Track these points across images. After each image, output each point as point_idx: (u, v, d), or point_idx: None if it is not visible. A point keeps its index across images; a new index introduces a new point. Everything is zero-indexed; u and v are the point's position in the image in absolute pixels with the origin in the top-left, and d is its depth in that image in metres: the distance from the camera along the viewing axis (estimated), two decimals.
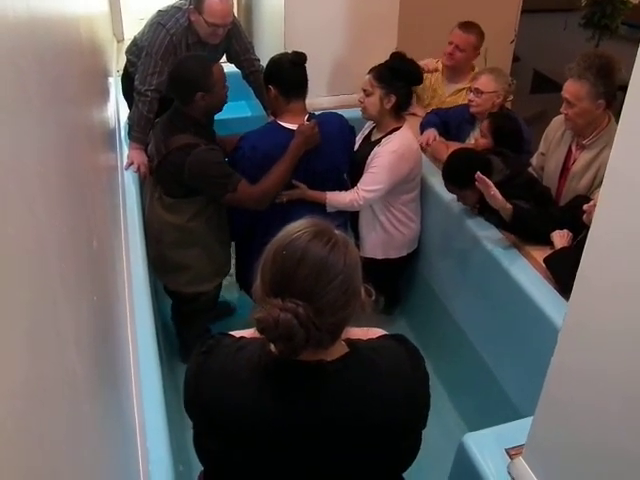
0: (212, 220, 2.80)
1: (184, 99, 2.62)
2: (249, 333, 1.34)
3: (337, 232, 1.22)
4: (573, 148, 2.72)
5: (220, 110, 2.77)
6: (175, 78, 2.68)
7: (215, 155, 2.61)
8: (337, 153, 2.86)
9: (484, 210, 2.76)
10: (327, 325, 1.15)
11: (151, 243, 2.79)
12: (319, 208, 2.84)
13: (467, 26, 3.49)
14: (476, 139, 3.00)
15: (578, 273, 1.36)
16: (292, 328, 1.11)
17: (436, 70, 3.55)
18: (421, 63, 3.45)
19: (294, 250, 1.16)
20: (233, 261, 3.17)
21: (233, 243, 3.11)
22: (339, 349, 1.27)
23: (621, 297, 1.25)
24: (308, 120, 2.73)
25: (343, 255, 1.17)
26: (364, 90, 2.84)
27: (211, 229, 2.81)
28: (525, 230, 2.59)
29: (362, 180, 2.86)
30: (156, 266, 2.84)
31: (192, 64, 2.67)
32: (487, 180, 2.47)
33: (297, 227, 1.20)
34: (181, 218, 2.73)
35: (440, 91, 3.67)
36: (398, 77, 2.77)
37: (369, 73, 2.83)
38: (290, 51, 2.75)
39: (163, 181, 2.73)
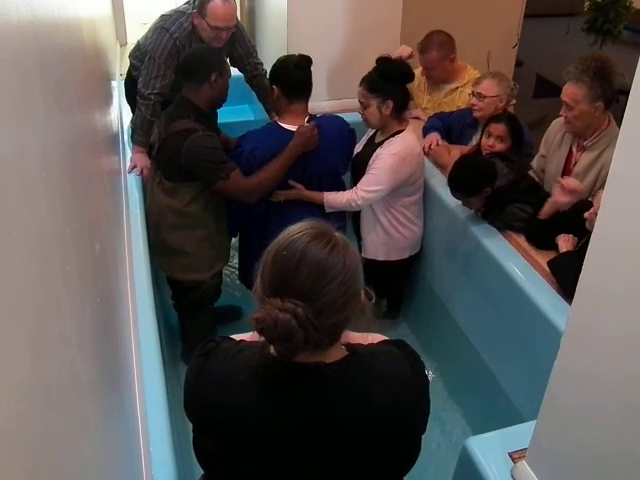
0: (210, 206, 2.82)
1: (199, 78, 2.66)
2: (249, 337, 1.35)
3: (337, 234, 1.22)
4: (574, 149, 2.73)
5: (221, 105, 2.82)
6: (191, 58, 2.75)
7: (212, 141, 2.65)
8: (335, 155, 2.88)
9: (488, 213, 2.76)
10: (326, 326, 1.15)
11: (151, 227, 2.84)
12: (317, 209, 2.85)
13: (424, 45, 3.48)
14: (491, 145, 2.95)
15: (580, 278, 1.36)
16: (291, 328, 1.11)
17: (411, 56, 3.48)
18: (395, 54, 3.46)
19: (294, 251, 1.16)
20: (235, 261, 3.18)
21: (236, 241, 3.13)
22: (338, 352, 1.27)
23: (623, 302, 1.25)
24: (308, 122, 2.75)
25: (343, 257, 1.18)
26: (360, 102, 2.84)
27: (209, 215, 2.84)
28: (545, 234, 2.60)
29: (362, 180, 2.86)
30: (155, 250, 2.87)
31: (207, 49, 2.83)
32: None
33: (297, 229, 1.21)
34: (179, 202, 2.76)
35: (435, 95, 3.67)
36: (389, 81, 2.76)
37: (360, 85, 2.82)
38: (298, 54, 2.78)
39: (162, 165, 2.78)
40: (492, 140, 2.93)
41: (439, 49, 3.45)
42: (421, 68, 3.62)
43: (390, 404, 1.26)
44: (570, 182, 2.45)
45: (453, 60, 3.53)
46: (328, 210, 2.88)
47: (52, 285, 0.90)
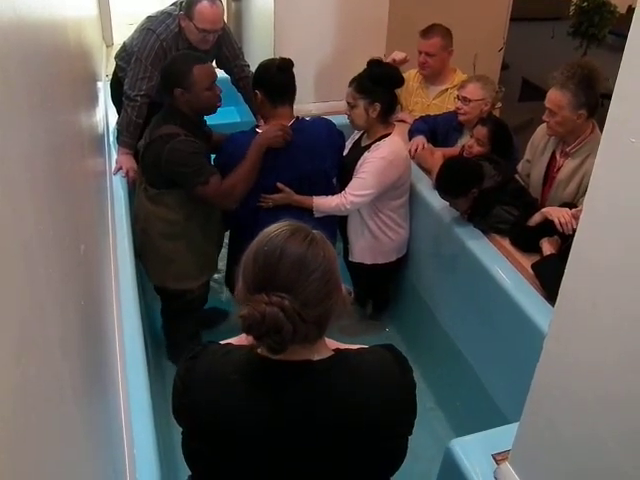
0: (195, 215, 2.77)
1: (166, 93, 2.65)
2: (236, 340, 1.35)
3: (314, 231, 1.25)
4: (557, 155, 2.74)
5: (209, 112, 2.77)
6: (162, 72, 2.76)
7: (192, 146, 2.61)
8: (325, 157, 2.87)
9: (474, 216, 2.77)
10: (312, 317, 1.17)
11: (137, 233, 2.80)
12: (307, 213, 2.84)
13: (427, 31, 3.54)
14: (470, 146, 2.99)
15: (562, 282, 1.37)
16: (279, 320, 1.13)
17: (405, 60, 3.54)
18: (389, 58, 3.48)
19: (274, 247, 1.18)
20: (221, 264, 3.17)
21: (224, 245, 3.12)
22: (326, 352, 1.28)
23: (605, 306, 1.25)
24: (295, 124, 2.74)
25: (322, 249, 1.21)
26: (348, 103, 2.84)
27: (195, 223, 2.79)
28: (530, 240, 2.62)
29: (350, 185, 2.86)
30: (142, 257, 2.84)
31: (178, 61, 2.71)
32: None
33: (274, 228, 1.23)
34: (163, 210, 2.72)
35: (423, 97, 3.69)
36: (379, 84, 2.76)
37: (350, 86, 2.82)
38: (279, 57, 2.76)
39: (146, 171, 2.75)
40: (472, 141, 2.99)
41: (442, 36, 3.52)
42: (410, 72, 3.64)
43: (377, 402, 1.27)
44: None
45: (450, 54, 3.59)
46: (317, 215, 2.87)
47: (36, 287, 0.90)
